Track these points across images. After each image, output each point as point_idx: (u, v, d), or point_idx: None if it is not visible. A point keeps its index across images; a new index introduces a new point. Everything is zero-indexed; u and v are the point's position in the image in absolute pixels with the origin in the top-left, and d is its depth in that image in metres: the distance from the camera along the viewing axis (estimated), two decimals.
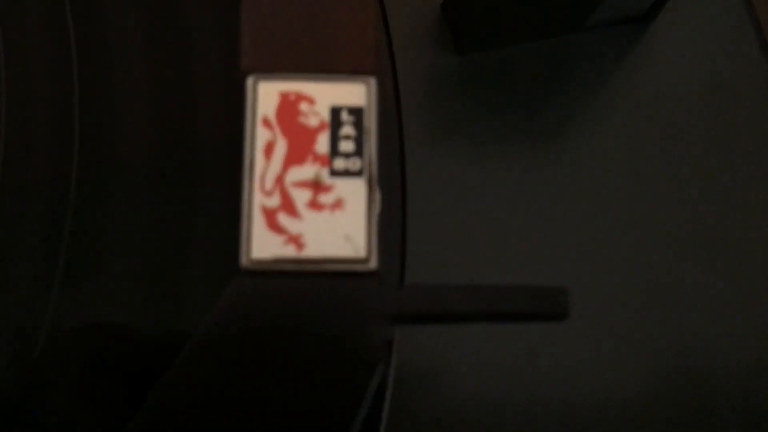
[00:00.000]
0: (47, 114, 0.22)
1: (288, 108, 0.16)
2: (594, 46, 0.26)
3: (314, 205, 0.16)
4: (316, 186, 0.16)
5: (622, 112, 0.26)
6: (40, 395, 0.20)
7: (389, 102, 0.23)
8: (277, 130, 0.16)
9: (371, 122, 0.16)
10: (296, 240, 0.16)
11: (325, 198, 0.16)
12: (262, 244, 0.16)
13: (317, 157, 0.16)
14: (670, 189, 0.25)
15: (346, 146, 0.16)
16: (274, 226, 0.16)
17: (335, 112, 0.16)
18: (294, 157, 0.16)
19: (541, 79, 0.26)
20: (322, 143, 0.16)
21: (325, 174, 0.16)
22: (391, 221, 0.19)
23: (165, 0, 0.24)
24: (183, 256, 0.21)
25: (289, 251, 0.16)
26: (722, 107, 0.26)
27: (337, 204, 0.16)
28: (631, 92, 0.26)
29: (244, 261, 0.16)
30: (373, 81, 0.17)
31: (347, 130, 0.16)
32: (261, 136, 0.16)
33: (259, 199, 0.16)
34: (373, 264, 0.16)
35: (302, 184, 0.16)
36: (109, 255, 0.20)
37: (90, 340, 0.20)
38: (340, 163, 0.16)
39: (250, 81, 0.17)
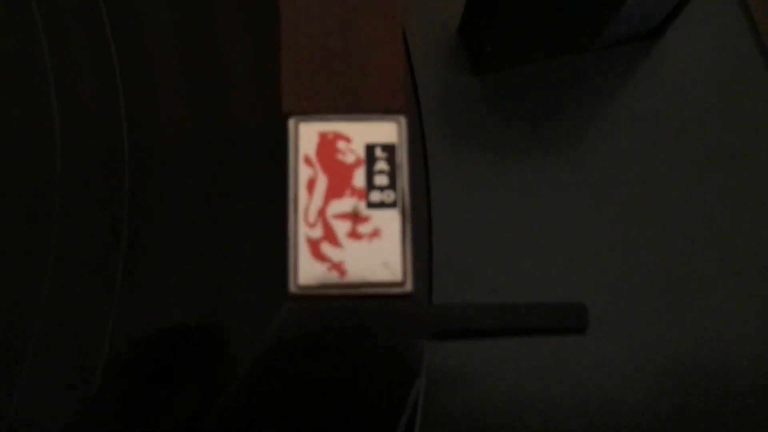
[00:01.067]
0: (98, 135, 0.24)
1: (327, 146, 0.18)
2: (604, 65, 0.28)
3: (354, 234, 0.18)
4: (355, 217, 0.18)
5: (633, 125, 0.27)
6: (102, 407, 0.22)
7: (413, 124, 0.25)
8: (318, 167, 0.18)
9: (403, 157, 0.18)
10: (339, 267, 0.17)
11: (363, 228, 0.18)
12: (308, 272, 0.17)
13: (355, 191, 0.18)
14: (681, 198, 0.27)
15: (381, 180, 0.18)
16: (318, 255, 0.17)
17: (370, 149, 0.18)
18: (334, 192, 0.18)
19: (555, 96, 0.28)
20: (359, 178, 0.18)
21: (362, 206, 0.18)
22: (420, 242, 0.21)
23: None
24: (230, 265, 0.23)
25: (333, 277, 0.17)
26: (728, 118, 0.28)
27: (375, 233, 0.18)
28: (640, 107, 0.28)
29: (292, 287, 0.17)
30: (403, 119, 0.18)
31: (381, 165, 0.18)
32: (303, 173, 0.18)
33: (303, 230, 0.18)
34: (408, 287, 0.17)
35: (342, 216, 0.18)
36: (162, 264, 0.22)
37: (148, 350, 0.22)
38: (375, 196, 0.18)
39: (291, 122, 0.18)
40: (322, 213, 0.18)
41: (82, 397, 0.22)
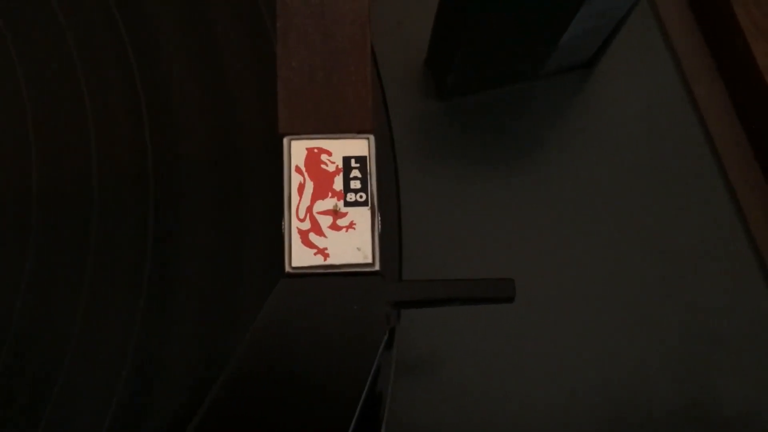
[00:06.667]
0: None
1: (313, 159, 0.23)
2: (546, 90, 0.33)
3: (334, 226, 0.23)
4: (335, 213, 0.23)
5: (570, 140, 0.33)
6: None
7: (385, 141, 0.30)
8: (306, 174, 0.23)
9: (371, 166, 0.23)
10: (323, 252, 0.23)
11: (342, 221, 0.23)
12: (299, 256, 0.22)
13: (335, 193, 0.23)
14: (610, 199, 0.32)
15: (355, 184, 0.23)
16: (307, 243, 0.23)
17: (346, 160, 0.23)
18: (319, 193, 0.23)
19: (505, 117, 0.33)
20: (338, 183, 0.23)
21: (341, 204, 0.23)
22: (391, 235, 0.26)
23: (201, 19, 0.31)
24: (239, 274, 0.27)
25: (318, 260, 0.22)
26: (650, 136, 0.33)
27: (350, 225, 0.23)
28: (577, 124, 0.33)
29: (287, 268, 0.22)
30: (371, 138, 0.23)
31: (355, 173, 0.23)
32: (295, 179, 0.23)
33: (295, 224, 0.23)
34: (376, 266, 0.23)
35: (325, 212, 0.23)
36: (182, 281, 0.27)
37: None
38: (351, 197, 0.23)
39: (285, 141, 0.23)
40: (309, 210, 0.23)
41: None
